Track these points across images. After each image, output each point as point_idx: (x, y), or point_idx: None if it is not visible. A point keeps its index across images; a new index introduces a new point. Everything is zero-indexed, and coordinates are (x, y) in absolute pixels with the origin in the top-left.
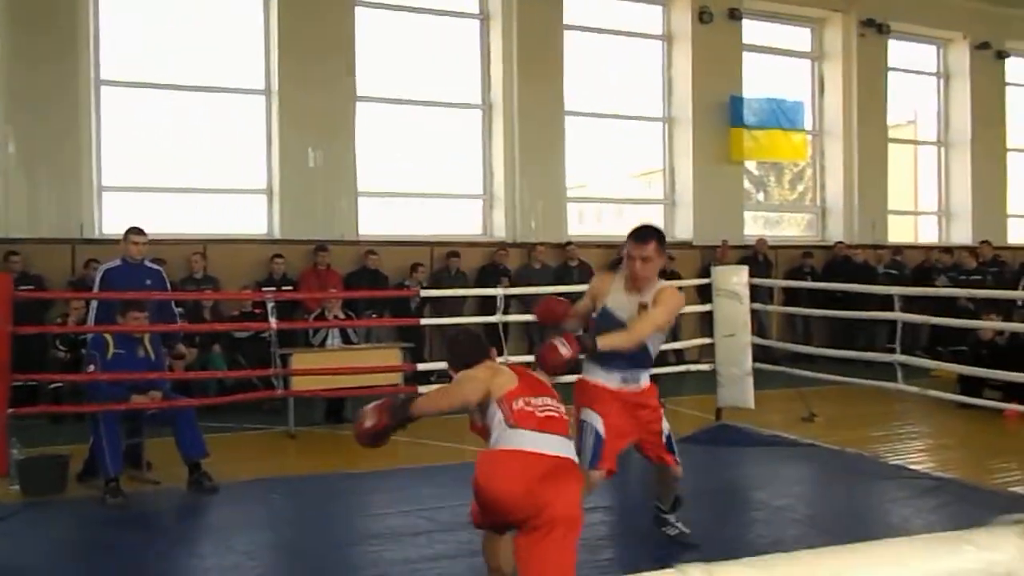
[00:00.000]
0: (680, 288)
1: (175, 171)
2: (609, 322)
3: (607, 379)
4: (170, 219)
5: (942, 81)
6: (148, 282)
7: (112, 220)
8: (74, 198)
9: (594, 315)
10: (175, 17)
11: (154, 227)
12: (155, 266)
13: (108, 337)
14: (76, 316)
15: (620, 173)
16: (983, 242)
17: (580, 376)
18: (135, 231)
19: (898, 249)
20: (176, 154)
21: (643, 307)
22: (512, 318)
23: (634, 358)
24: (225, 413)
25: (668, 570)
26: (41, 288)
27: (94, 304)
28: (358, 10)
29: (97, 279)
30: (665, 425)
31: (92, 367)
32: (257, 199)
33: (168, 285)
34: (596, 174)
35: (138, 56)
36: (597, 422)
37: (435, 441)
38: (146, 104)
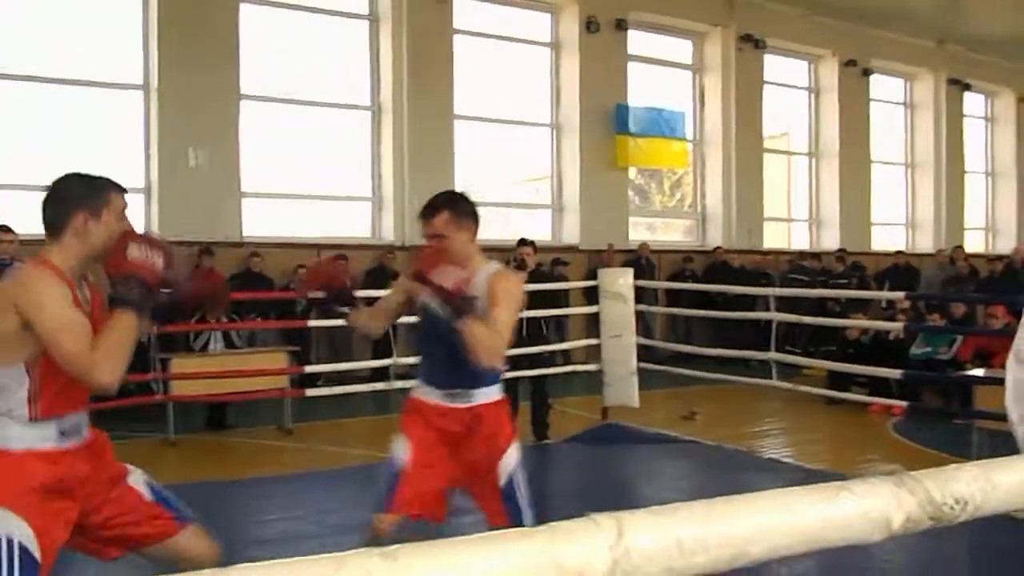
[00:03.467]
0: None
1: (46, 169)
2: (438, 324)
3: (428, 392)
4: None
5: (813, 95)
6: None
7: None
8: None
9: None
10: (47, 7)
11: (24, 226)
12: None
13: None
14: None
15: (508, 178)
16: (840, 250)
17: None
18: (3, 228)
19: (803, 255)
20: (48, 152)
21: (473, 299)
22: (404, 320)
23: (461, 363)
24: (101, 419)
25: (580, 519)
26: None
27: None
28: (243, 7)
29: None
30: (509, 464)
31: None
32: (135, 198)
33: None
34: (485, 179)
35: (6, 45)
36: (402, 451)
37: (321, 445)
38: (13, 97)
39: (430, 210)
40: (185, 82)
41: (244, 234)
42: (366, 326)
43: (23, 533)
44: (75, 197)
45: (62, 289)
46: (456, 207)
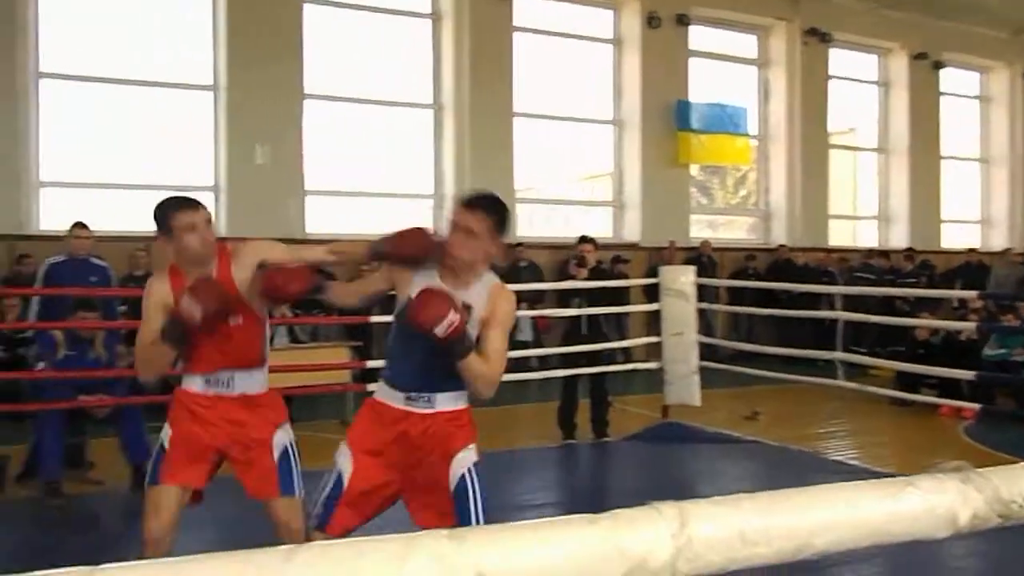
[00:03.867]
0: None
1: (117, 167)
2: (411, 327)
3: (390, 394)
4: (112, 216)
5: (881, 90)
6: (93, 279)
7: (51, 216)
8: (12, 194)
9: (394, 316)
10: (119, 9)
11: (96, 223)
12: (101, 263)
13: (58, 337)
14: (14, 315)
15: (568, 176)
16: (908, 248)
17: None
18: (79, 225)
19: (870, 252)
20: (119, 150)
21: (466, 308)
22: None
23: (428, 364)
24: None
25: (643, 507)
26: None
27: (35, 299)
28: (307, 7)
29: (40, 274)
30: (462, 466)
31: (42, 365)
32: (203, 196)
33: (113, 282)
34: (545, 176)
35: (80, 49)
36: (345, 464)
37: None
38: (88, 98)
39: (477, 205)
40: (251, 81)
41: (307, 231)
42: (342, 301)
43: (166, 432)
44: (155, 219)
45: (160, 286)
46: (501, 218)
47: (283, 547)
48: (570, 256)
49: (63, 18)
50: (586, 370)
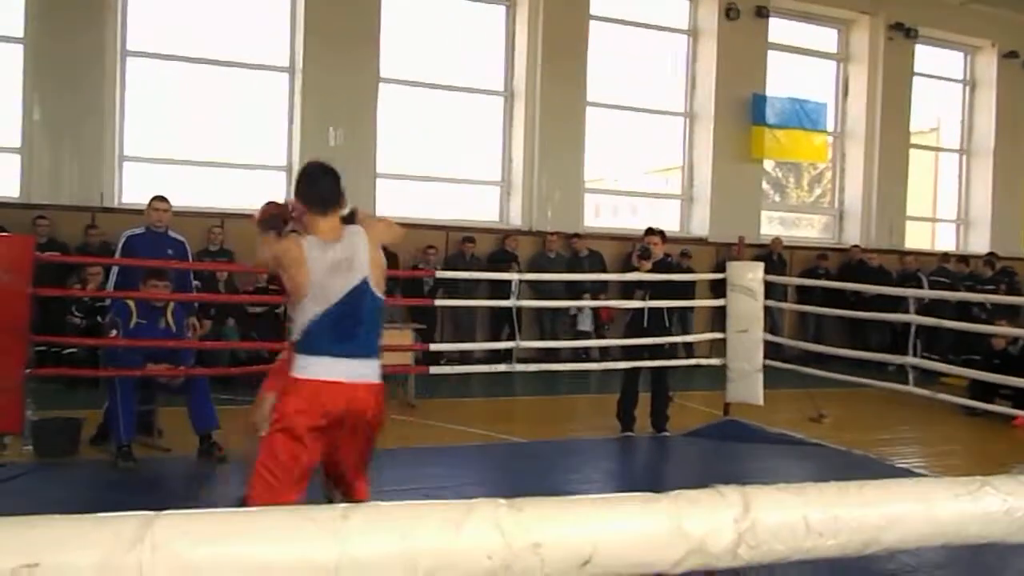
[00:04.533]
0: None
1: (197, 144)
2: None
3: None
4: (190, 191)
5: (968, 89)
6: (170, 252)
7: (132, 190)
8: (95, 167)
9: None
10: None
11: (174, 199)
12: (178, 237)
13: (132, 306)
14: (95, 283)
15: (638, 168)
16: (989, 253)
17: None
18: (159, 198)
19: (946, 256)
20: (198, 127)
21: (348, 260)
22: (526, 303)
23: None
24: (236, 385)
25: (705, 490)
26: (65, 255)
27: (115, 269)
28: None
29: (120, 245)
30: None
31: (115, 332)
32: (277, 175)
33: (190, 257)
34: (614, 167)
35: (164, 28)
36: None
37: (442, 423)
38: (170, 76)
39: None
40: (328, 64)
41: (377, 213)
42: None
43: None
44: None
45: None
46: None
47: (341, 505)
48: (636, 247)
49: None
50: (647, 364)
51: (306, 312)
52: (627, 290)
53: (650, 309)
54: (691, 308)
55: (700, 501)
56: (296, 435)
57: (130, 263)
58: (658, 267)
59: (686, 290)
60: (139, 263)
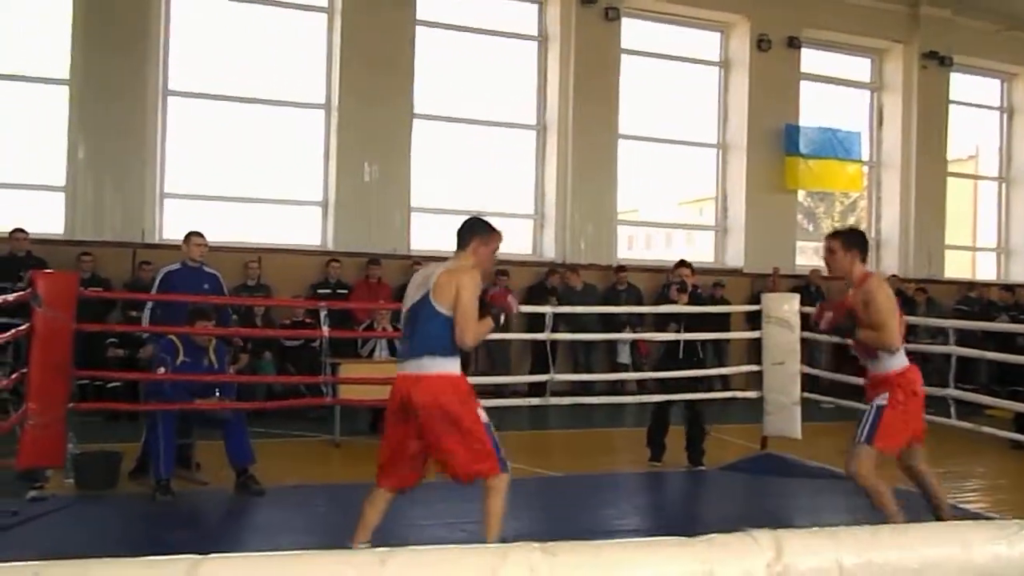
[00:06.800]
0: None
1: (235, 180)
2: None
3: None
4: (228, 227)
5: (1005, 116)
6: (206, 286)
7: (172, 226)
8: (137, 204)
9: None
10: (241, 31)
11: (212, 234)
12: (213, 271)
13: (177, 343)
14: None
15: (671, 199)
16: None
17: None
18: (196, 234)
19: (971, 285)
20: (236, 164)
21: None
22: (560, 336)
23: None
24: (272, 419)
25: (738, 534)
26: (107, 291)
27: (149, 304)
28: (419, 29)
29: (157, 281)
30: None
31: (162, 369)
32: (313, 211)
33: (224, 290)
34: (647, 199)
35: (204, 68)
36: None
37: None
38: (210, 114)
39: None
40: (363, 101)
41: (411, 247)
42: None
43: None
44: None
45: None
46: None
47: (380, 549)
48: (669, 280)
49: (189, 39)
50: (682, 396)
51: None
52: (661, 323)
53: (684, 342)
54: (727, 340)
55: (732, 546)
56: None
57: (169, 299)
58: (690, 299)
59: (720, 322)
60: (177, 299)
